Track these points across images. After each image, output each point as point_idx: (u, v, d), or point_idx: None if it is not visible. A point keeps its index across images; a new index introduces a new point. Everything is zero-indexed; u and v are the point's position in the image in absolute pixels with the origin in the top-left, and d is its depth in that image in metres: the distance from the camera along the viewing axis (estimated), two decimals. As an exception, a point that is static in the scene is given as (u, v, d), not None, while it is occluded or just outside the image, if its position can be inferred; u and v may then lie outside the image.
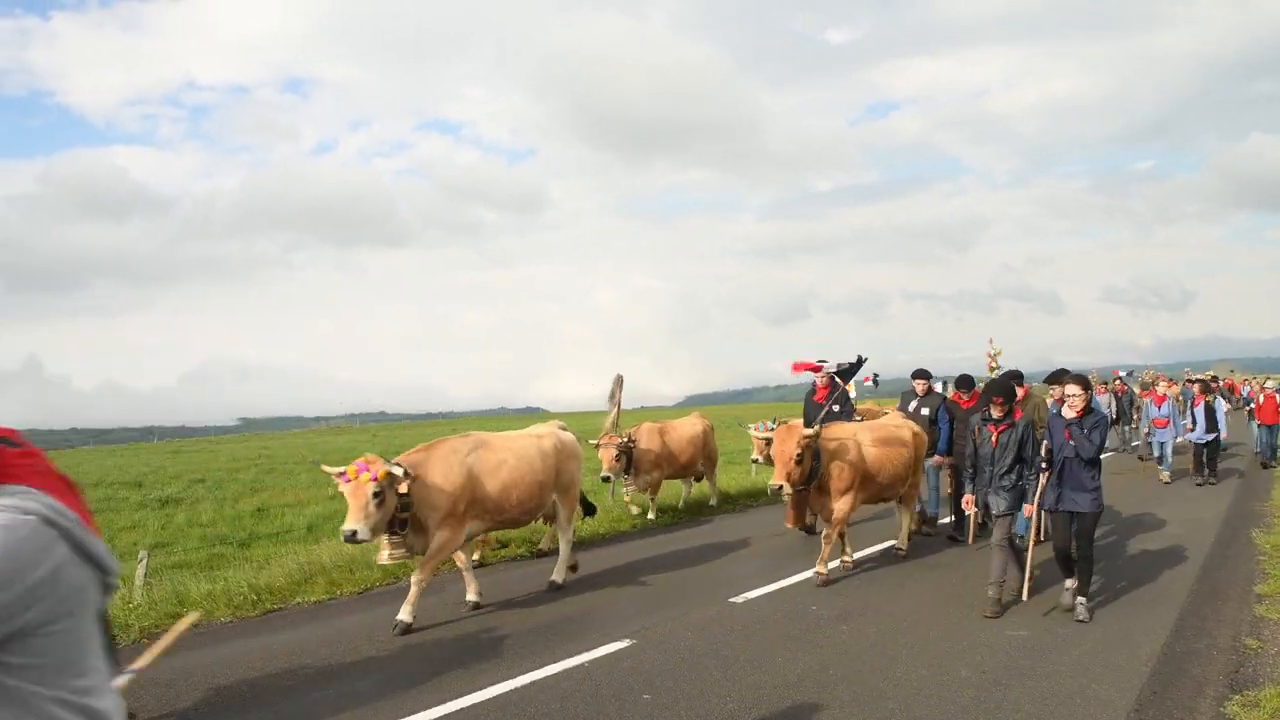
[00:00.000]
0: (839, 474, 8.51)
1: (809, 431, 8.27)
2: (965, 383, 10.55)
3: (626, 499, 12.61)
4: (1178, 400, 17.00)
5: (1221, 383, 24.13)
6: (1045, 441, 7.35)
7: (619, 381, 11.77)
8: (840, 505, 8.55)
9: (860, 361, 9.68)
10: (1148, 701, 5.33)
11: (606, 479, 11.41)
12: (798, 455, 8.11)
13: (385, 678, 6.07)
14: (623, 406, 12.13)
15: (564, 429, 9.06)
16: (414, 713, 5.41)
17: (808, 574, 8.61)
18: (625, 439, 11.35)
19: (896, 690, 5.58)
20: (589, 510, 9.87)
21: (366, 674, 6.18)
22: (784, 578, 8.58)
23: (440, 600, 8.01)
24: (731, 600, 7.82)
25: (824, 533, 8.67)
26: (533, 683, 5.87)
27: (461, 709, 5.47)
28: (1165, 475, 15.54)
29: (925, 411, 10.43)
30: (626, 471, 11.46)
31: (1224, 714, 5.13)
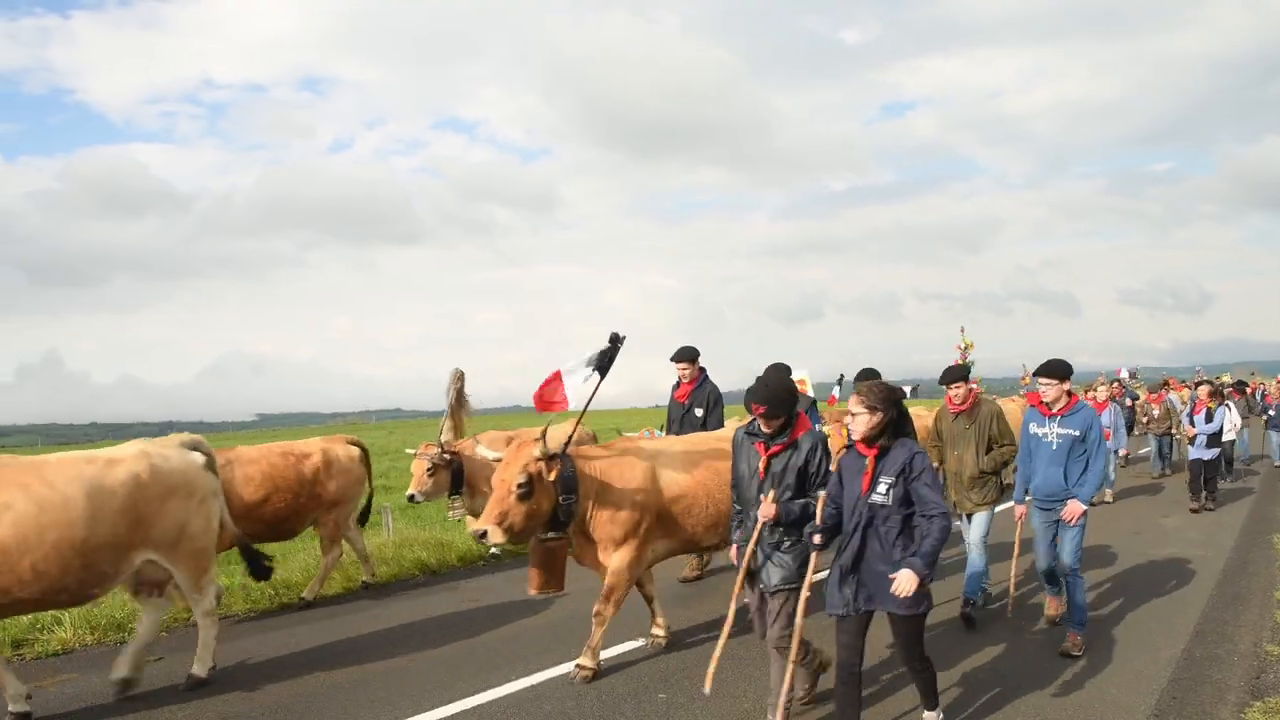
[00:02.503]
0: (612, 513, 5.81)
1: (538, 453, 5.54)
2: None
3: (454, 518, 10.95)
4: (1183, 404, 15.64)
5: (1248, 389, 21.72)
6: (825, 491, 4.71)
7: (458, 378, 9.15)
8: (618, 560, 5.84)
9: (617, 342, 5.96)
10: (1168, 707, 5.28)
11: (412, 498, 8.65)
12: (520, 486, 5.44)
13: (400, 674, 6.09)
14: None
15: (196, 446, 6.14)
16: (430, 709, 5.43)
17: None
18: (440, 449, 8.70)
19: (912, 689, 5.54)
20: (260, 574, 6.79)
21: (381, 670, 6.19)
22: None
23: (455, 597, 8.03)
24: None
25: (595, 608, 5.90)
26: (547, 681, 5.88)
27: (476, 706, 5.48)
28: (1107, 494, 13.71)
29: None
30: (457, 490, 8.89)
31: (1245, 720, 5.08)
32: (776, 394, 4.82)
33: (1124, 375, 21.46)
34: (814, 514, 4.69)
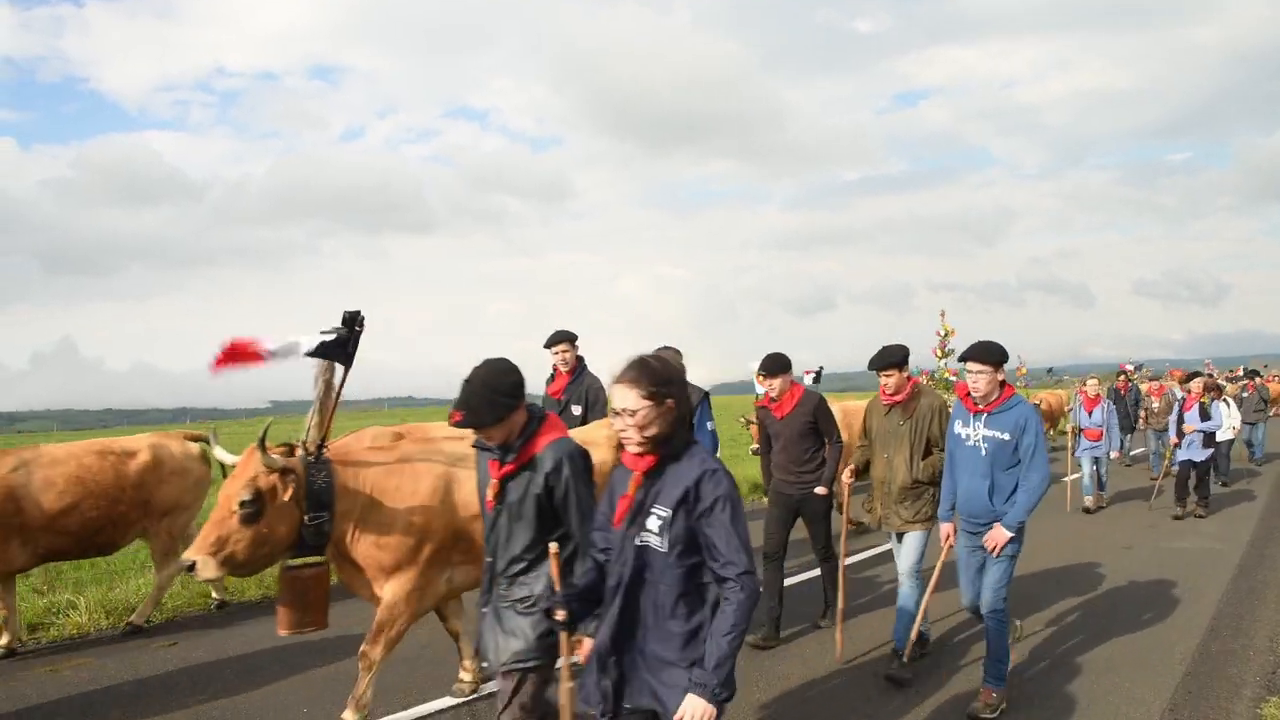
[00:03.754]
0: (379, 536, 4.51)
1: (269, 461, 4.19)
2: (775, 366, 6.38)
3: None
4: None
5: (1260, 379, 19.08)
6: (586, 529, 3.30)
7: (328, 367, 6.17)
8: (392, 593, 4.59)
9: (356, 323, 4.65)
10: (1182, 701, 5.25)
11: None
12: (245, 505, 4.14)
13: (401, 665, 6.09)
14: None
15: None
16: (432, 699, 5.43)
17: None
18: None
19: (926, 685, 5.54)
20: None
21: (387, 660, 6.21)
22: (814, 569, 8.52)
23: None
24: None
25: (361, 648, 4.70)
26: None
27: (479, 698, 5.48)
28: (1089, 500, 12.15)
29: (710, 424, 6.89)
30: None
31: (1260, 715, 5.04)
32: (478, 394, 3.31)
33: (1128, 368, 19.48)
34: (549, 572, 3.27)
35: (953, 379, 16.24)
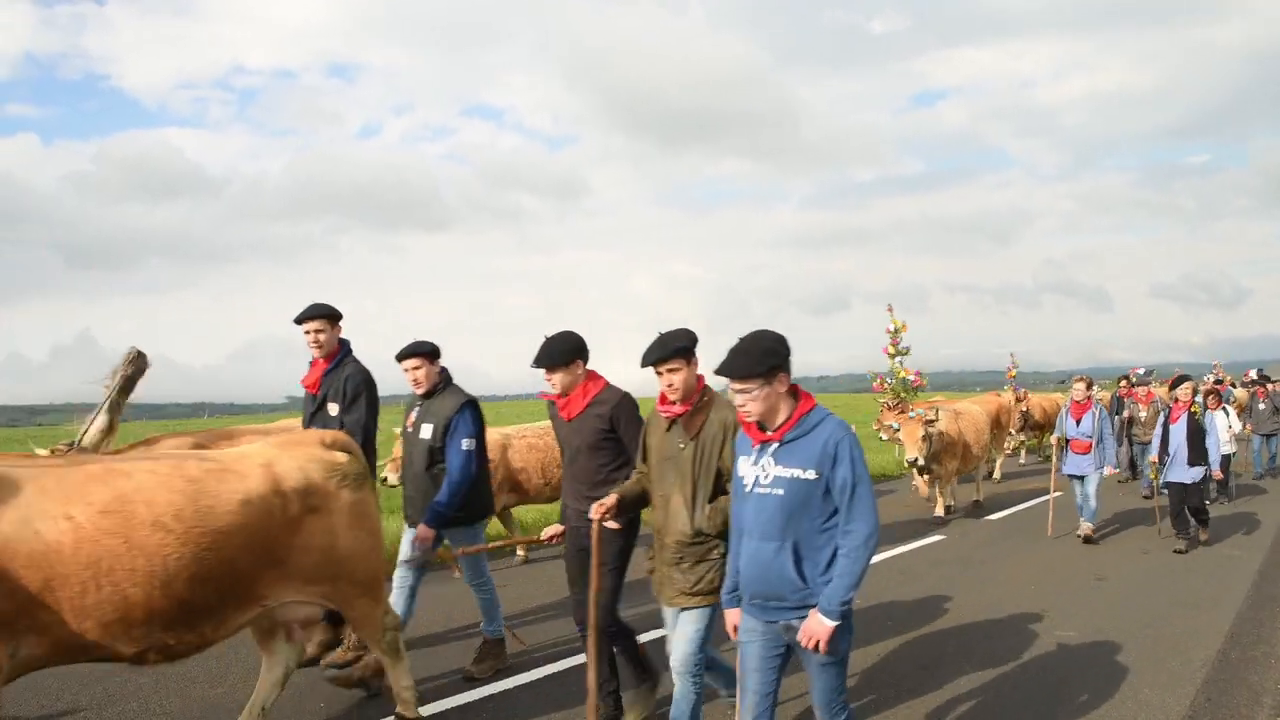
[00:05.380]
0: None
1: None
2: (553, 356, 4.69)
3: None
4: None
5: (1271, 385, 16.54)
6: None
7: (133, 359, 5.86)
8: None
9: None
10: (1201, 709, 5.20)
11: None
12: None
13: (420, 658, 6.11)
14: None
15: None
16: (451, 695, 5.45)
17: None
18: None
19: (941, 689, 5.51)
20: None
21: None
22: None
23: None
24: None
25: None
26: (568, 669, 5.86)
27: (494, 694, 5.49)
28: (1085, 528, 10.00)
29: (426, 435, 5.53)
30: None
31: (1282, 724, 5.00)
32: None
33: (1140, 372, 17.02)
34: None
35: (910, 379, 14.91)
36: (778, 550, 3.42)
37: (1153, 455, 10.08)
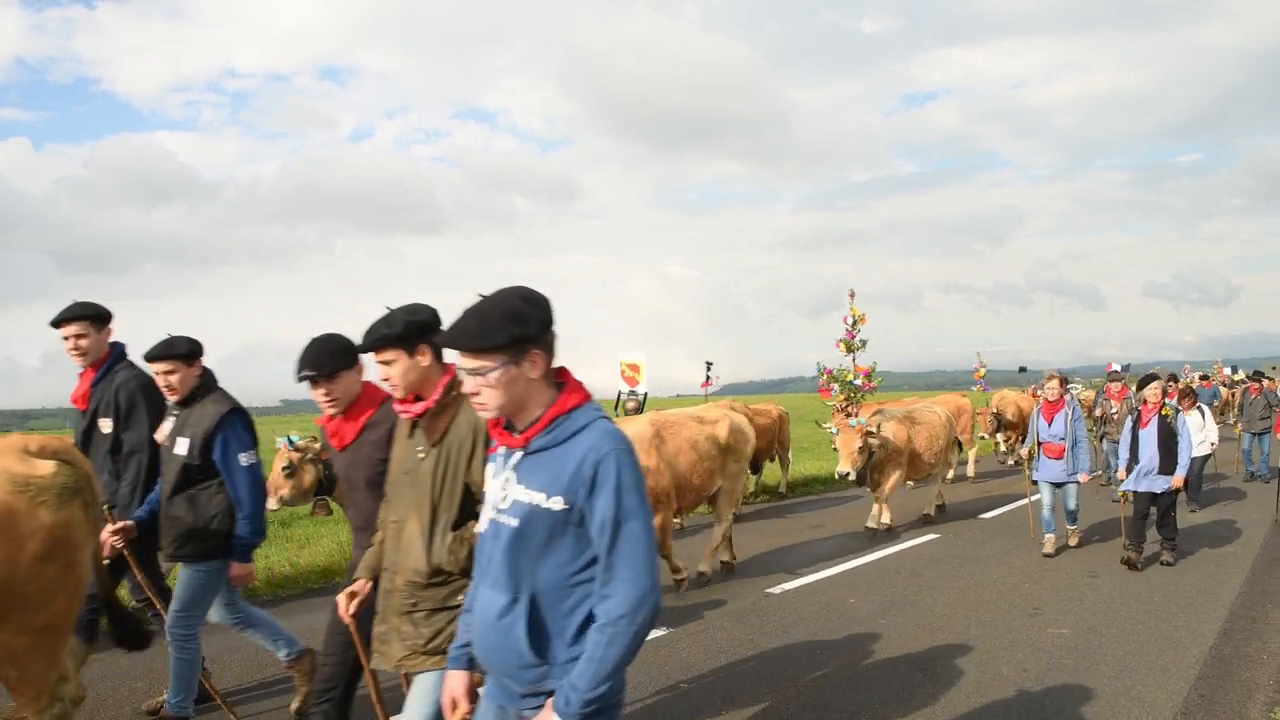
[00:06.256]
0: None
1: None
2: (319, 362, 3.53)
3: None
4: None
5: (1268, 382, 15.60)
6: None
7: None
8: None
9: None
10: (1195, 705, 5.22)
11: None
12: None
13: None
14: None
15: None
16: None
17: (846, 567, 8.59)
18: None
19: (936, 687, 5.52)
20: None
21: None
22: (821, 570, 8.56)
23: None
24: (769, 591, 7.80)
25: None
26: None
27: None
28: (1047, 542, 9.21)
29: (181, 451, 4.57)
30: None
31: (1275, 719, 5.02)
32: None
33: (1115, 368, 15.89)
34: None
35: (857, 381, 14.28)
36: (507, 607, 2.33)
37: (1122, 469, 8.94)
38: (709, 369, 15.00)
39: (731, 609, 7.23)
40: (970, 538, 10.23)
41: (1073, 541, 9.61)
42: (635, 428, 7.55)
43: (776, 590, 7.82)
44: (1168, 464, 8.56)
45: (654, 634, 6.50)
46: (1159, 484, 8.61)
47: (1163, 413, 8.71)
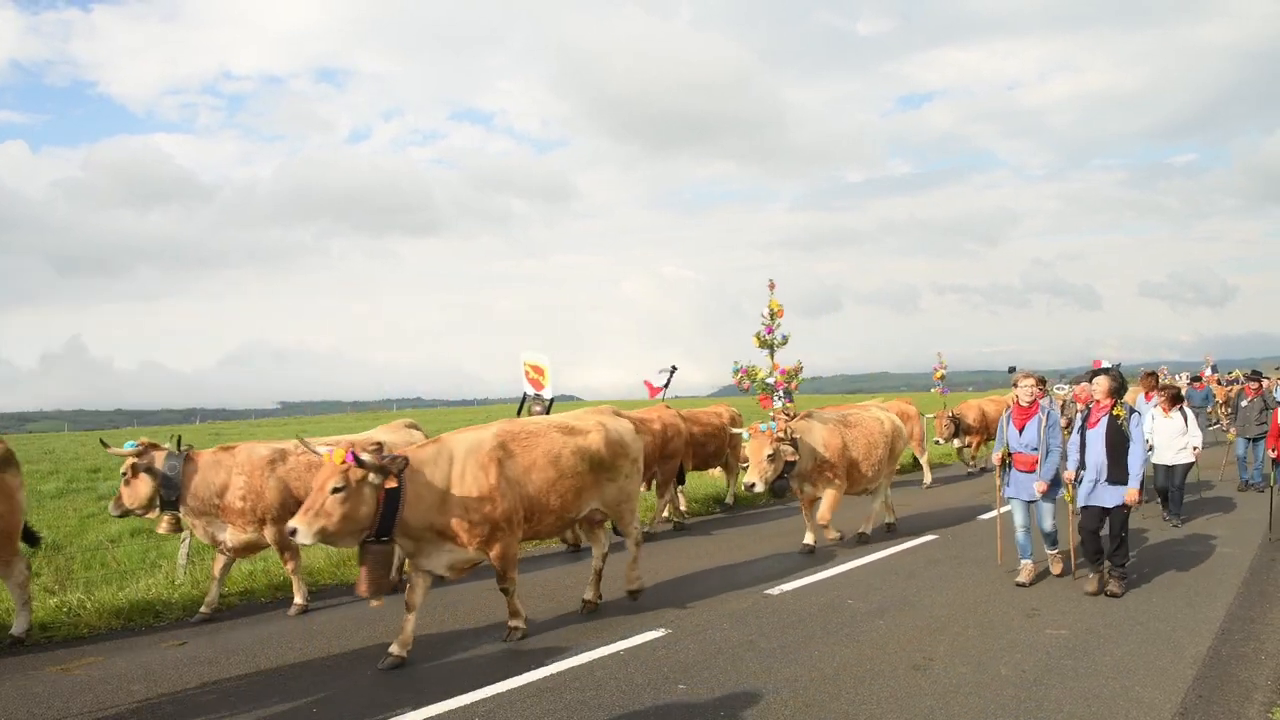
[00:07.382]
0: None
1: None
2: None
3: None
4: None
5: (1265, 382, 14.38)
6: None
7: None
8: None
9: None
10: (1193, 705, 5.22)
11: None
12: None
13: (421, 661, 6.11)
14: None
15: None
16: (450, 696, 5.44)
17: (845, 567, 8.59)
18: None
19: (934, 687, 5.52)
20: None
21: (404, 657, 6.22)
22: (820, 571, 8.55)
23: (480, 586, 8.05)
24: (768, 592, 7.80)
25: None
26: (567, 670, 5.89)
27: (497, 694, 5.49)
28: (1023, 570, 8.08)
29: None
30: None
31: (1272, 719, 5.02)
32: None
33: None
34: None
35: (771, 380, 12.87)
36: None
37: (1069, 471, 7.84)
38: (671, 374, 13.73)
39: (731, 609, 7.23)
40: (969, 538, 10.22)
41: (1055, 569, 8.33)
42: (474, 439, 6.42)
43: (776, 591, 7.82)
44: (1117, 472, 7.53)
45: (651, 634, 6.53)
46: (1108, 496, 7.60)
47: (1114, 413, 7.62)
